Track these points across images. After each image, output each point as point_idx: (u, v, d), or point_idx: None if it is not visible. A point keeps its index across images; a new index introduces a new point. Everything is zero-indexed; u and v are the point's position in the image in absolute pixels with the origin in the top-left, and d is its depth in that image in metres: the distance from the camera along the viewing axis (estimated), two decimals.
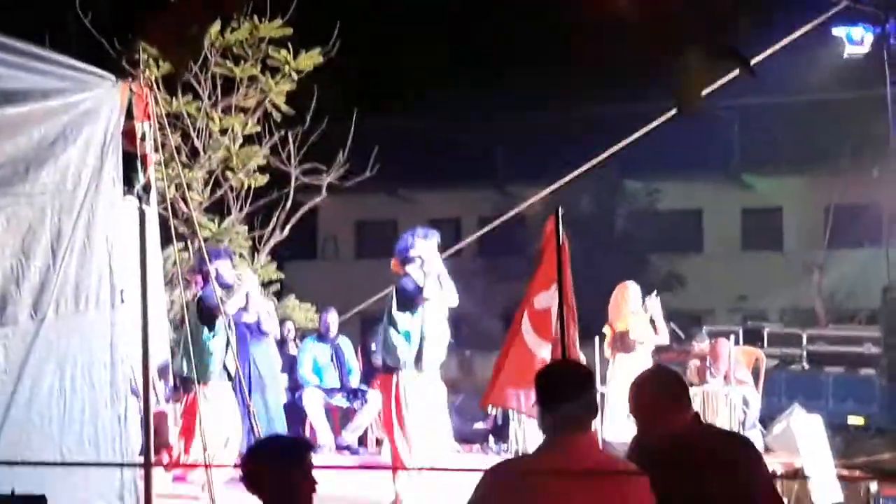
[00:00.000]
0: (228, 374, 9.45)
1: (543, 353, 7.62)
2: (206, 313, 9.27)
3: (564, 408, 4.31)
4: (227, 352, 9.30)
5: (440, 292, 9.16)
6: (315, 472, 4.53)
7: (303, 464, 4.52)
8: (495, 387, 7.77)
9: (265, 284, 14.80)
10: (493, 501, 4.28)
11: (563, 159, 13.58)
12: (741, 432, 11.41)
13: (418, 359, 9.03)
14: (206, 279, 9.42)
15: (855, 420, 15.30)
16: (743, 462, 4.74)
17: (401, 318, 9.03)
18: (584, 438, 4.36)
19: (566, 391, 4.36)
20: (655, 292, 11.99)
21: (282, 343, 12.98)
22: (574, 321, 7.59)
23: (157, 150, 6.96)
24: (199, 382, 9.05)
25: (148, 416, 6.93)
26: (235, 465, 8.22)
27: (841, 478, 10.90)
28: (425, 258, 9.16)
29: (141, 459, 6.96)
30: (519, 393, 7.60)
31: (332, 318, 12.90)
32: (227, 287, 9.68)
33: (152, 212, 7.34)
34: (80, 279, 6.27)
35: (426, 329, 9.06)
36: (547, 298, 7.63)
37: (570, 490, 4.21)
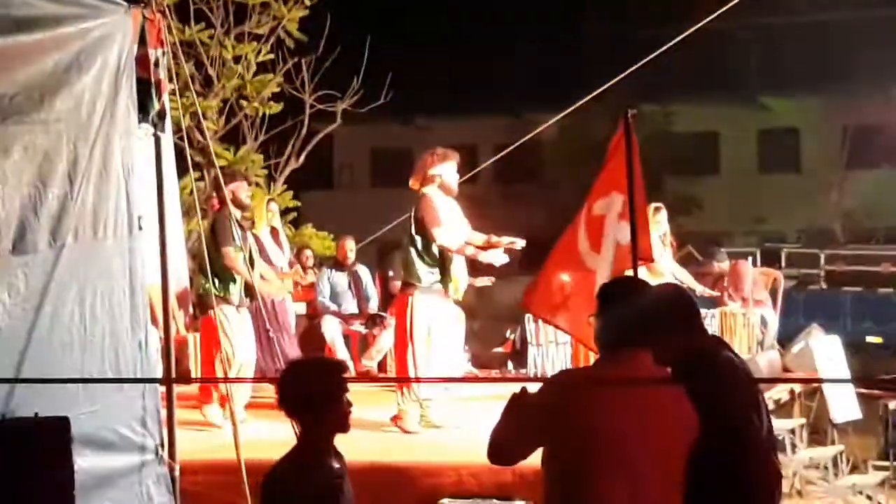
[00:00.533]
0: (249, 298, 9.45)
1: (590, 262, 7.48)
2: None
3: (621, 321, 4.40)
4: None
5: (459, 215, 9.12)
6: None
7: (342, 384, 4.55)
8: (538, 291, 7.61)
9: (283, 213, 14.81)
10: (556, 409, 4.33)
11: (577, 84, 13.49)
12: (759, 352, 11.45)
13: (440, 279, 8.99)
14: (222, 202, 9.41)
15: (873, 339, 15.33)
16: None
17: (419, 239, 8.99)
18: (640, 352, 4.43)
19: (618, 302, 4.47)
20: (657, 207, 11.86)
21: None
22: (646, 230, 7.46)
23: (170, 78, 6.92)
24: (217, 304, 9.03)
25: (169, 342, 6.97)
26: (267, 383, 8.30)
27: (859, 395, 10.94)
28: (444, 178, 9.10)
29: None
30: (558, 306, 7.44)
31: (350, 245, 12.92)
32: (243, 208, 9.64)
33: (167, 139, 7.32)
34: (98, 207, 6.26)
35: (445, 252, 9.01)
36: (602, 206, 7.49)
37: (629, 402, 4.29)
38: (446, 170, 9.12)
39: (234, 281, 9.32)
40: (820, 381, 10.78)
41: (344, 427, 4.54)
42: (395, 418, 9.03)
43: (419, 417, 8.99)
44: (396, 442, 8.67)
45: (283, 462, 4.55)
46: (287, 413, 4.53)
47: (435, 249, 8.94)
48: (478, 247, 9.05)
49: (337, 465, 4.55)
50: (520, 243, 9.16)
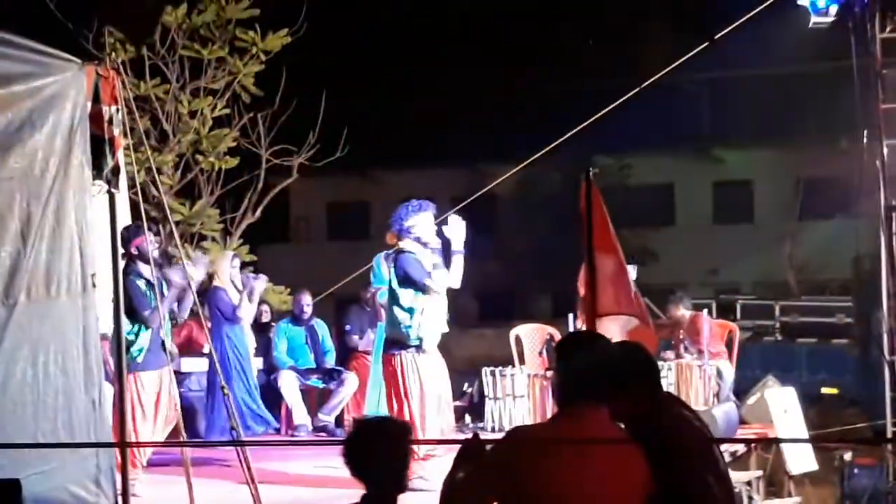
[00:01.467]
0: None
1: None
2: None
3: (576, 377, 4.39)
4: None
5: (440, 269, 9.11)
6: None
7: (407, 446, 4.58)
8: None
9: (240, 267, 14.74)
10: (507, 467, 4.31)
11: (533, 137, 13.57)
12: (715, 404, 11.48)
13: (423, 335, 8.97)
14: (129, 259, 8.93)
15: (828, 390, 15.41)
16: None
17: (403, 293, 8.98)
18: (597, 409, 4.42)
19: (581, 359, 4.45)
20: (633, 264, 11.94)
21: (261, 326, 12.92)
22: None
23: (125, 134, 6.91)
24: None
25: (123, 401, 6.91)
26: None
27: (815, 447, 10.99)
28: (421, 231, 9.11)
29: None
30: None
31: (307, 299, 12.88)
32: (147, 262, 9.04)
33: (122, 196, 7.30)
34: (51, 264, 6.24)
35: (428, 304, 9.00)
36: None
37: (581, 461, 4.28)
38: (421, 221, 9.14)
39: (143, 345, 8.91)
40: (777, 440, 10.80)
41: (404, 488, 4.51)
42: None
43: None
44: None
45: None
46: (352, 471, 4.50)
47: (418, 303, 8.92)
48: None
49: None
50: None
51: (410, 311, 8.94)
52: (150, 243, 8.33)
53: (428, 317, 8.97)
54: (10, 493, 4.00)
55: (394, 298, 9.00)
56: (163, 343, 8.43)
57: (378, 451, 4.47)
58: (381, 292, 11.30)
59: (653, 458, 4.35)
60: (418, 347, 8.92)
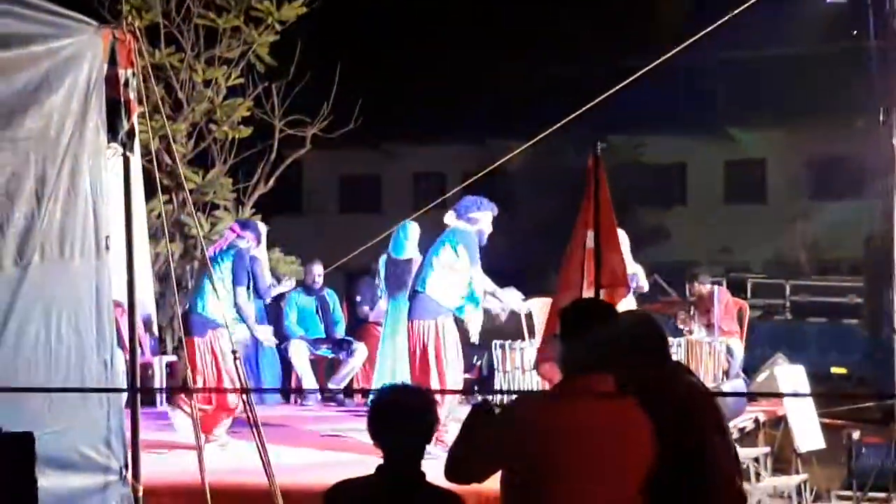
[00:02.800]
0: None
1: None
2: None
3: (585, 345, 4.40)
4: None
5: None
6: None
7: (433, 416, 4.55)
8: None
9: None
10: (512, 435, 4.33)
11: (547, 115, 13.55)
12: (725, 381, 11.49)
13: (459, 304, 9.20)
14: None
15: (837, 370, 15.41)
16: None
17: (453, 262, 9.18)
18: (601, 378, 4.42)
19: (584, 327, 4.45)
20: None
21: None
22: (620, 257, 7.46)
23: (140, 101, 6.92)
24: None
25: (134, 363, 6.95)
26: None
27: (823, 425, 11.00)
28: (481, 226, 9.37)
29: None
30: None
31: (318, 269, 12.92)
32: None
33: (136, 160, 7.32)
34: (65, 226, 6.26)
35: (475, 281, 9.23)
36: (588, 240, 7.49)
37: (586, 429, 4.29)
38: (484, 219, 9.34)
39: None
40: (796, 395, 10.80)
41: (421, 460, 4.49)
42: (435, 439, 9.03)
43: None
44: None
45: (359, 479, 4.51)
46: (374, 438, 4.50)
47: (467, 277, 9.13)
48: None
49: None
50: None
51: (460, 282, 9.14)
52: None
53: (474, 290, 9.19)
54: (25, 444, 4.03)
55: (444, 265, 9.16)
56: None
57: (401, 422, 4.44)
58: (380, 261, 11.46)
59: (665, 426, 4.37)
60: (452, 314, 9.14)
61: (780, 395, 10.49)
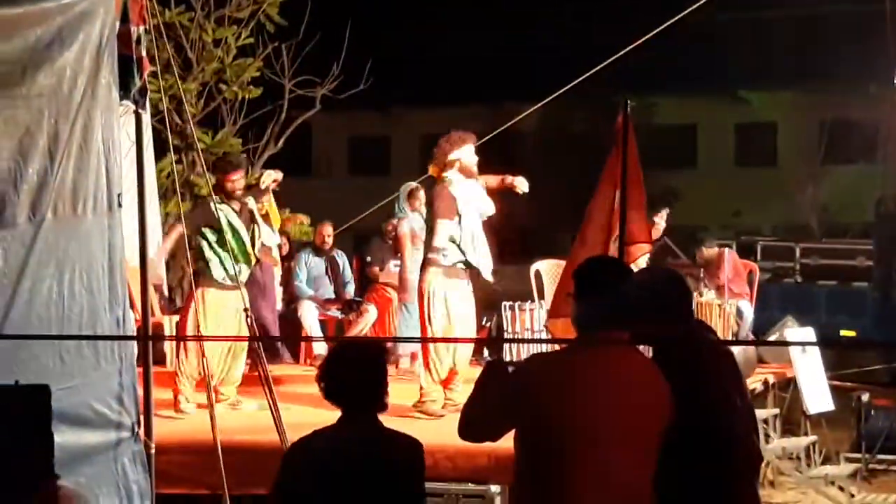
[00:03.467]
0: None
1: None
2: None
3: (598, 302, 4.38)
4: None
5: (481, 195, 9.18)
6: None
7: (385, 368, 4.62)
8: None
9: None
10: (525, 393, 4.32)
11: (558, 75, 13.51)
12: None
13: (467, 260, 9.06)
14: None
15: (847, 332, 15.40)
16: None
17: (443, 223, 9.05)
18: (618, 335, 4.42)
19: (602, 284, 4.43)
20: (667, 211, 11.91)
21: (281, 257, 12.98)
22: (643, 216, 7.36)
23: (151, 61, 6.90)
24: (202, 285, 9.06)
25: (146, 320, 6.97)
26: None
27: (832, 387, 11.01)
28: (463, 160, 9.15)
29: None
30: None
31: (328, 230, 12.93)
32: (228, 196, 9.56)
33: (146, 119, 7.31)
34: (78, 182, 6.24)
35: (466, 229, 9.04)
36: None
37: (600, 386, 4.29)
38: (464, 153, 9.17)
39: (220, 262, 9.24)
40: (831, 343, 10.78)
41: (383, 407, 4.57)
42: (417, 403, 9.01)
43: (443, 401, 8.96)
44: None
45: (324, 430, 4.56)
46: (328, 396, 4.56)
47: (456, 234, 8.98)
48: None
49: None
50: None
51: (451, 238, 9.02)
52: (233, 181, 9.21)
53: (465, 240, 9.03)
54: (41, 396, 4.05)
55: (430, 227, 9.08)
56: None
57: (350, 373, 4.52)
58: (400, 224, 11.38)
59: (683, 383, 4.36)
60: (448, 269, 8.99)
61: (811, 344, 10.47)
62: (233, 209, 9.31)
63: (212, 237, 9.14)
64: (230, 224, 9.15)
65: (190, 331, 9.07)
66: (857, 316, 15.40)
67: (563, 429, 4.25)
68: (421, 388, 9.01)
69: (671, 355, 4.52)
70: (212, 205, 9.01)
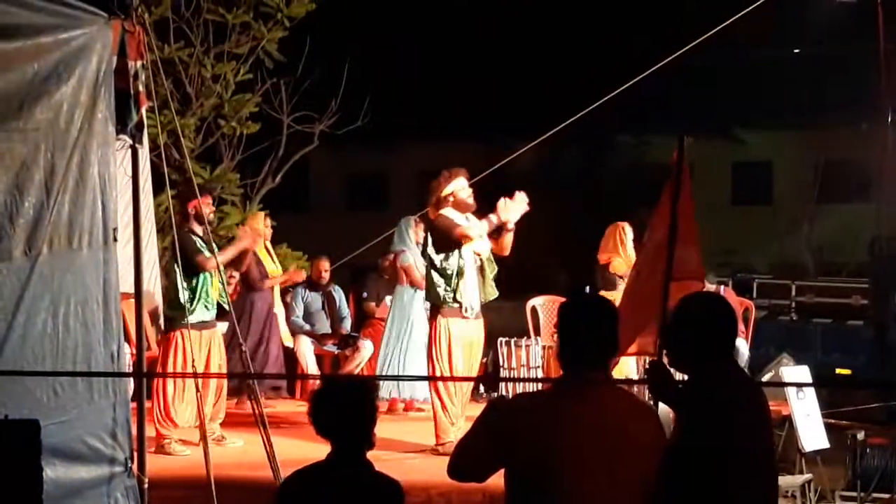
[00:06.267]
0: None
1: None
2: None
3: (583, 342, 4.36)
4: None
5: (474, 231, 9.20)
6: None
7: (372, 405, 4.68)
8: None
9: None
10: (511, 433, 4.30)
11: (554, 113, 13.56)
12: None
13: (461, 299, 9.09)
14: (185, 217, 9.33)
15: (842, 371, 15.37)
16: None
17: (438, 258, 9.09)
18: (601, 371, 4.39)
19: (586, 322, 4.41)
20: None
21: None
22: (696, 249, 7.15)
23: (148, 96, 6.93)
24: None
25: (141, 354, 6.97)
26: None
27: (828, 425, 10.98)
28: (458, 195, 9.21)
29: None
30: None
31: (325, 265, 12.96)
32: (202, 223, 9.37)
33: (144, 153, 7.34)
34: (74, 217, 6.27)
35: (463, 268, 9.11)
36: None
37: (588, 426, 4.26)
38: (456, 186, 9.23)
39: (199, 300, 9.19)
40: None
41: (371, 444, 4.63)
42: (437, 445, 9.07)
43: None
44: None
45: (313, 468, 4.60)
46: (318, 432, 4.61)
47: (451, 265, 9.00)
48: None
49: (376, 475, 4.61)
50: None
51: (441, 274, 9.04)
52: (206, 205, 8.69)
53: (462, 279, 9.06)
54: (30, 431, 4.03)
55: (430, 263, 9.12)
56: (219, 304, 8.81)
57: (342, 409, 4.56)
58: (403, 256, 11.44)
59: (717, 421, 4.35)
60: (455, 311, 9.05)
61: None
62: (203, 240, 9.20)
63: (186, 276, 9.04)
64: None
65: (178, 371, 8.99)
66: (853, 354, 15.38)
67: (550, 470, 4.22)
68: (437, 428, 9.06)
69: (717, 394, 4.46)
70: (197, 240, 8.99)
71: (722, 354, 4.56)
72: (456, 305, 9.11)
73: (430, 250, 9.18)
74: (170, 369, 9.02)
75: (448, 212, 9.18)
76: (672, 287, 6.20)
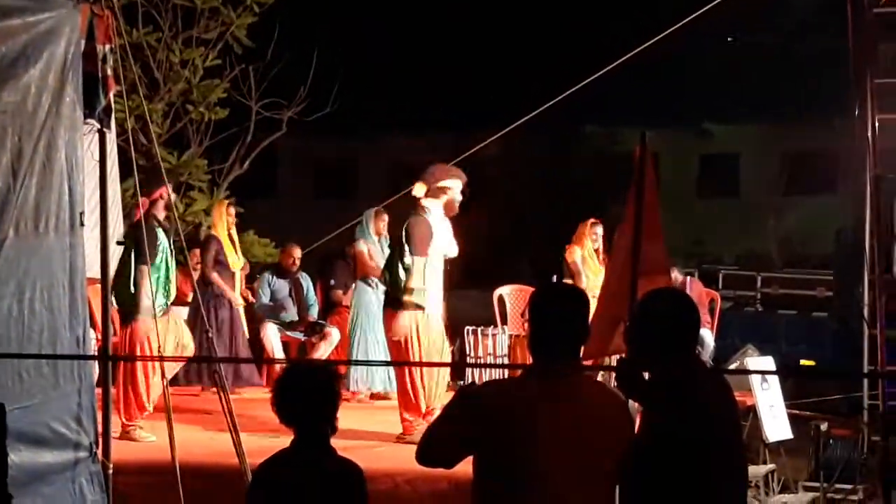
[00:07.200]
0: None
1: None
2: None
3: (554, 331, 4.36)
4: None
5: (447, 238, 9.19)
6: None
7: (335, 391, 4.68)
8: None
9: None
10: (482, 419, 4.29)
11: (521, 104, 13.57)
12: None
13: (420, 293, 9.03)
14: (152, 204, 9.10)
15: (806, 362, 15.49)
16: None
17: (406, 254, 9.02)
18: (571, 361, 4.40)
19: (557, 312, 4.40)
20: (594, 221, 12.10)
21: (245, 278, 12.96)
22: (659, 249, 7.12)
23: (117, 80, 6.89)
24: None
25: (107, 339, 6.94)
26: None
27: (791, 416, 11.06)
28: (452, 194, 9.13)
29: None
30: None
31: (297, 252, 12.90)
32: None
33: (111, 139, 7.31)
34: (41, 201, 6.23)
35: (430, 265, 9.03)
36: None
37: (554, 412, 4.26)
38: (455, 186, 9.14)
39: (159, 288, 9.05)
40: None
41: (334, 429, 4.64)
42: (402, 434, 9.06)
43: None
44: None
45: (280, 455, 4.61)
46: (282, 416, 4.61)
47: (418, 263, 8.93)
48: None
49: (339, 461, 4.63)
50: None
51: (407, 270, 8.99)
52: (170, 193, 8.59)
53: (429, 277, 9.02)
54: None
55: (400, 255, 9.03)
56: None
57: (306, 395, 4.57)
58: (357, 243, 11.52)
59: (689, 420, 4.36)
60: (418, 306, 8.98)
61: (771, 373, 10.50)
62: (164, 229, 9.03)
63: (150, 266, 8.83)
64: (164, 249, 8.93)
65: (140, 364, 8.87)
66: (817, 345, 15.50)
67: (518, 457, 4.22)
68: (404, 419, 9.04)
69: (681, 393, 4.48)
70: (160, 231, 8.86)
71: (685, 349, 4.58)
72: (419, 299, 9.03)
73: (402, 240, 9.11)
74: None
75: (433, 205, 9.09)
76: (640, 282, 6.24)
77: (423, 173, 9.21)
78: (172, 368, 9.27)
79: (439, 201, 9.08)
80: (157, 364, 8.64)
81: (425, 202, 9.07)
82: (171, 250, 9.01)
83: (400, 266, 9.00)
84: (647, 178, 6.89)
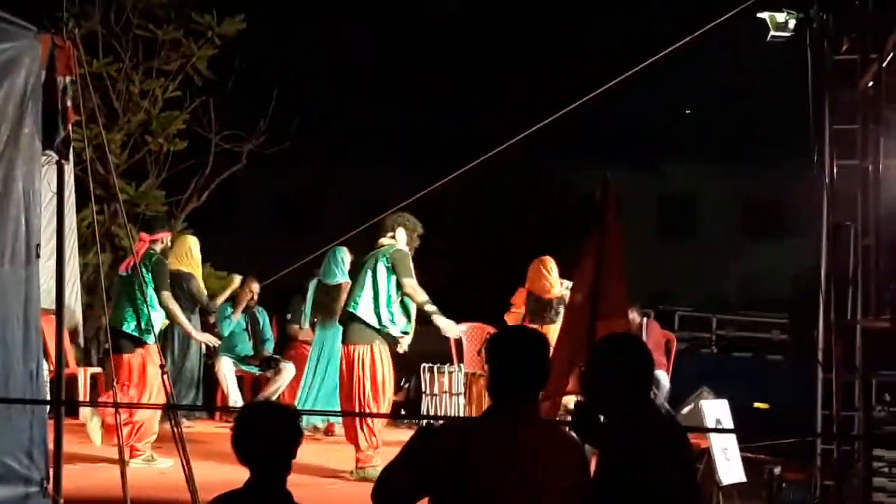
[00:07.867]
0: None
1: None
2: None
3: (513, 372, 4.37)
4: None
5: None
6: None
7: (297, 429, 4.63)
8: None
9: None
10: (440, 462, 4.28)
11: (483, 143, 13.60)
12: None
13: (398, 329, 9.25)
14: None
15: (760, 405, 15.55)
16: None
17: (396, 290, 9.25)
18: (530, 405, 4.41)
19: (517, 355, 4.42)
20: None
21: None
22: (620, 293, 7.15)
23: (76, 109, 6.85)
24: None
25: (60, 372, 6.86)
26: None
27: (745, 459, 11.08)
28: (413, 235, 9.61)
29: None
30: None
31: (256, 287, 12.84)
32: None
33: (69, 169, 7.25)
34: None
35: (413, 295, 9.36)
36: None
37: (512, 457, 4.25)
38: (418, 228, 9.69)
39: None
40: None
41: (289, 470, 4.57)
42: (357, 469, 9.09)
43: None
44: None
45: (233, 495, 4.55)
46: (241, 456, 4.55)
47: (407, 301, 9.17)
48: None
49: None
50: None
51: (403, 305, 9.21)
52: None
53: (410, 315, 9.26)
54: None
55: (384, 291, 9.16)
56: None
57: (264, 435, 4.52)
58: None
59: (641, 461, 4.37)
60: (390, 339, 9.19)
61: (725, 431, 10.55)
62: None
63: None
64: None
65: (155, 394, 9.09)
66: (771, 388, 15.56)
67: (475, 500, 4.22)
68: (358, 452, 9.04)
69: (630, 433, 4.48)
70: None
71: (639, 393, 4.61)
72: (396, 334, 9.26)
73: (392, 281, 9.23)
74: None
75: (404, 247, 9.33)
76: (598, 324, 6.26)
77: (386, 223, 9.49)
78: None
79: (409, 246, 9.36)
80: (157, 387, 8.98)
81: (399, 247, 9.28)
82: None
83: (386, 302, 9.17)
84: (609, 220, 6.91)
